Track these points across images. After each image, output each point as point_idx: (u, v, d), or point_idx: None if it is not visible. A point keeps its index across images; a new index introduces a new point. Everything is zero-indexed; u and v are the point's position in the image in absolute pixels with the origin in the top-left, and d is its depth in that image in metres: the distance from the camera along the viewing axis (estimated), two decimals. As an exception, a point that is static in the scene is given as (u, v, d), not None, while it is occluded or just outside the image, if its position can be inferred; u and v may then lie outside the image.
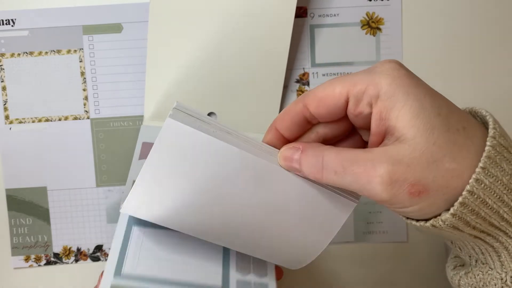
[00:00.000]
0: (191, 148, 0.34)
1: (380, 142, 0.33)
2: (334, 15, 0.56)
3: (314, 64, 0.57)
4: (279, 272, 0.50)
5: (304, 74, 0.57)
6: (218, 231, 0.38)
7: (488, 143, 0.31)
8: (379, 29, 0.57)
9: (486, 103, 0.57)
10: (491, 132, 0.32)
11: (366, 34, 0.57)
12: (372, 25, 0.57)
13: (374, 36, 0.57)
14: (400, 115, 0.31)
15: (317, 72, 0.57)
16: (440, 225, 0.32)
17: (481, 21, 0.57)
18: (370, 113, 0.33)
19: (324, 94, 0.34)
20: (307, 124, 0.37)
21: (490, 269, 0.35)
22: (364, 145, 0.38)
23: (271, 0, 0.51)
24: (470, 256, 0.37)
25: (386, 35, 0.57)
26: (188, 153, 0.34)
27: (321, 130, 0.37)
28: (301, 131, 0.38)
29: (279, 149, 0.37)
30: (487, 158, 0.31)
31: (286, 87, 0.56)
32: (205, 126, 0.35)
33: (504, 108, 0.57)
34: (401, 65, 0.33)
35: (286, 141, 0.38)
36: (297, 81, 0.57)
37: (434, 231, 0.33)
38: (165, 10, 0.51)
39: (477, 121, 0.34)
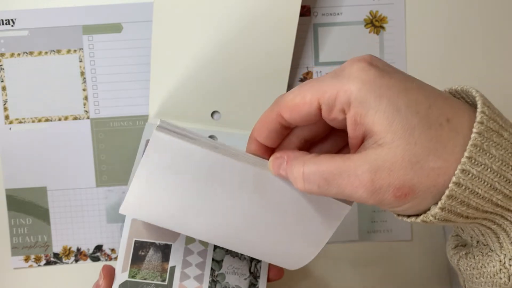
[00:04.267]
0: (178, 158, 0.35)
1: (360, 143, 0.32)
2: (338, 14, 0.56)
3: (317, 63, 0.57)
4: (280, 271, 0.50)
5: (307, 73, 0.57)
6: (215, 234, 0.39)
7: (474, 129, 0.30)
8: (382, 27, 0.56)
9: (491, 101, 0.56)
10: (478, 116, 0.30)
11: (369, 32, 0.56)
12: (375, 23, 0.56)
13: (377, 34, 0.56)
14: (376, 120, 0.30)
15: (320, 71, 0.57)
16: (430, 220, 0.31)
17: (485, 20, 0.56)
18: (345, 118, 0.32)
19: (295, 102, 0.33)
20: (285, 130, 0.36)
21: (490, 251, 0.35)
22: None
23: (275, -1, 0.51)
24: (471, 237, 0.37)
25: (389, 33, 0.56)
26: (176, 163, 0.35)
27: (301, 133, 0.37)
28: (281, 137, 0.37)
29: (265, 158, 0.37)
30: (473, 146, 0.29)
31: (290, 86, 0.56)
32: (191, 139, 0.35)
33: (509, 105, 0.56)
34: (370, 64, 0.31)
35: (269, 150, 0.37)
36: (301, 80, 0.57)
37: (427, 224, 0.33)
38: (169, 9, 0.51)
39: (464, 106, 0.32)
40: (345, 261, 0.59)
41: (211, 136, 0.54)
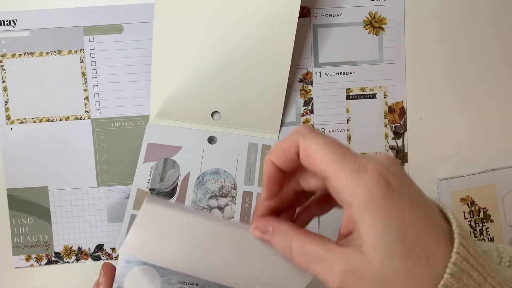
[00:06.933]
0: (166, 225, 0.37)
1: (350, 232, 0.34)
2: (337, 15, 0.56)
3: (317, 64, 0.57)
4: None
5: (307, 74, 0.57)
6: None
7: (448, 270, 0.31)
8: (382, 28, 0.56)
9: (489, 102, 0.56)
10: (453, 257, 0.31)
11: (369, 33, 0.56)
12: (374, 24, 0.56)
13: (377, 35, 0.56)
14: (366, 231, 0.32)
15: (320, 72, 0.57)
16: None
17: (484, 21, 0.57)
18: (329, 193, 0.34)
19: (293, 150, 0.35)
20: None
21: None
22: None
23: (275, 0, 0.51)
24: None
25: (389, 34, 0.56)
26: (164, 229, 0.37)
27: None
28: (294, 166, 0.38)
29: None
30: (443, 286, 0.31)
31: (289, 86, 0.56)
32: (177, 209, 0.37)
33: (509, 104, 0.56)
34: (386, 181, 0.32)
35: (282, 176, 0.37)
36: (300, 81, 0.57)
37: None
38: (170, 10, 0.51)
39: (447, 243, 0.33)
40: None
41: (211, 137, 0.55)
